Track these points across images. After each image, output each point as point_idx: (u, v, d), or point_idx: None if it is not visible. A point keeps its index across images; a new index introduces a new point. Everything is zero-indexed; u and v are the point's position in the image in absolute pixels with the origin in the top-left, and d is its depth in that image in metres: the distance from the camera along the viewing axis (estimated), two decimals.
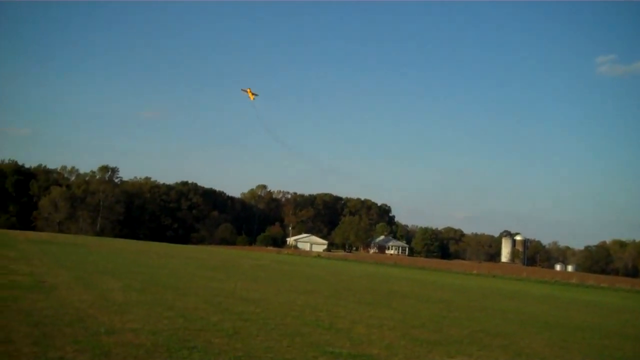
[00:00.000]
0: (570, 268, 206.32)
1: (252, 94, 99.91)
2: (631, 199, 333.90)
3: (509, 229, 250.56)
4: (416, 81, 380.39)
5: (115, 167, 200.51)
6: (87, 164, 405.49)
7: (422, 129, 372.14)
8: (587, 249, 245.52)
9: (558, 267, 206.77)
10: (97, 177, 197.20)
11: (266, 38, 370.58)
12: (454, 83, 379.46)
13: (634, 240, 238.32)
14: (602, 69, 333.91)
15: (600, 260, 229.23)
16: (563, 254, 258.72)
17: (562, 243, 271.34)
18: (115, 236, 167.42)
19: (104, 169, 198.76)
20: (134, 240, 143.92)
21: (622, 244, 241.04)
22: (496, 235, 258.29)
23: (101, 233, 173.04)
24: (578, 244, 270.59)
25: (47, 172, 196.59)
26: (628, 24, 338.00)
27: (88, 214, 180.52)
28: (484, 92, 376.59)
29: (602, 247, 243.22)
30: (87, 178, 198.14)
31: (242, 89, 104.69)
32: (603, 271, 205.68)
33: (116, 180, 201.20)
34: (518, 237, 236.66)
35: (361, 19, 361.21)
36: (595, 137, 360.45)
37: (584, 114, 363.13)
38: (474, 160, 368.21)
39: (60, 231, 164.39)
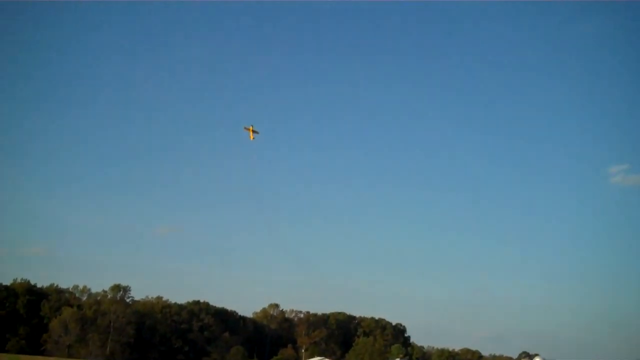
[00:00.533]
0: None
1: (253, 131, 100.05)
2: None
3: (527, 350, 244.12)
4: (436, 201, 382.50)
5: (127, 286, 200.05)
6: (99, 282, 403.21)
7: (440, 247, 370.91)
8: None
9: None
10: (109, 296, 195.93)
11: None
12: (467, 199, 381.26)
13: None
14: (616, 179, 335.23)
15: None
16: None
17: None
18: None
19: (116, 288, 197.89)
20: None
21: None
22: (515, 356, 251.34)
23: (111, 357, 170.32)
24: None
25: (59, 291, 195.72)
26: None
27: (98, 336, 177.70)
28: (502, 210, 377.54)
29: None
30: (98, 298, 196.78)
31: (244, 127, 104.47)
32: None
33: (128, 300, 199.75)
34: (537, 359, 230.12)
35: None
36: (611, 250, 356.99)
37: (601, 226, 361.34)
38: (491, 277, 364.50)
39: (70, 355, 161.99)
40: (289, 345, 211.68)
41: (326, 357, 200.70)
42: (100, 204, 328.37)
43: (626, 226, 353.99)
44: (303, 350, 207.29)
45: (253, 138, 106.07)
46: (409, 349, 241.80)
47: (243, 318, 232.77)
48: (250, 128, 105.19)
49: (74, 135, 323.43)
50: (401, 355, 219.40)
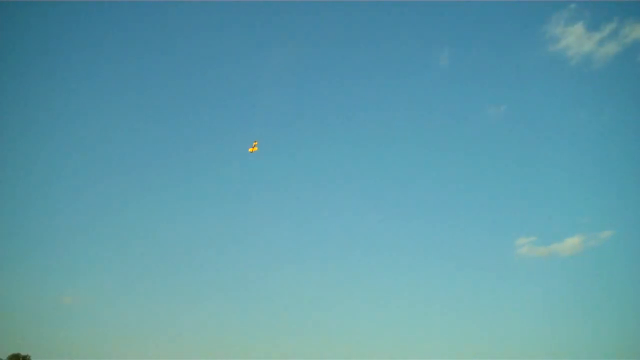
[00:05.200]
0: None
1: (254, 146, 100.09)
2: None
3: None
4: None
5: (27, 355, 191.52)
6: None
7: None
8: None
9: None
10: None
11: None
12: (378, 270, 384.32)
13: None
14: (523, 250, 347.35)
15: None
16: None
17: None
18: None
19: (15, 357, 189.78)
20: None
21: None
22: None
23: None
24: None
25: None
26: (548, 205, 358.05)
27: None
28: (405, 277, 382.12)
29: None
30: None
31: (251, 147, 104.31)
32: None
33: None
34: None
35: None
36: (514, 316, 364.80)
37: (501, 296, 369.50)
38: (398, 346, 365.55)
39: None
40: None
41: None
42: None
43: (529, 296, 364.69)
44: None
45: (253, 150, 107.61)
46: None
47: None
48: (255, 146, 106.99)
49: None
50: None
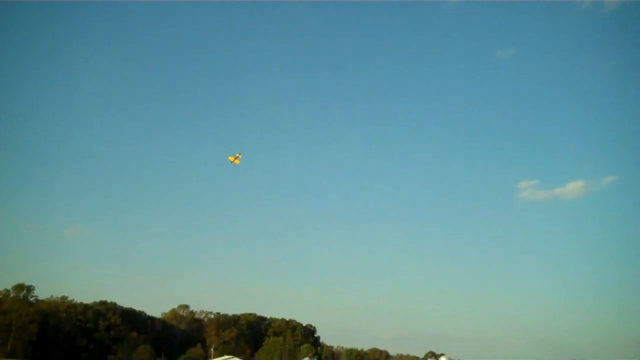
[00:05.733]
0: None
1: (236, 158, 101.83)
2: (550, 319, 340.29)
3: (433, 349, 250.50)
4: (336, 206, 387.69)
5: (31, 286, 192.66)
6: (1, 282, 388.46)
7: (348, 253, 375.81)
8: None
9: None
10: (11, 295, 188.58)
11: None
12: (376, 213, 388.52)
13: None
14: (525, 193, 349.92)
15: None
16: None
17: None
18: (27, 358, 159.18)
19: (19, 287, 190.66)
20: None
21: None
22: (421, 355, 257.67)
23: (12, 354, 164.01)
24: None
25: None
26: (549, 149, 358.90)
27: None
28: (407, 219, 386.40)
29: None
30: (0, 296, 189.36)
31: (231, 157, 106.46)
32: None
33: (31, 299, 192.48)
34: (443, 358, 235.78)
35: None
36: (515, 259, 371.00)
37: (504, 237, 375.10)
38: (400, 280, 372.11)
39: None
40: (198, 345, 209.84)
41: (236, 356, 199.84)
42: (7, 202, 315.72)
43: (532, 238, 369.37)
44: (212, 350, 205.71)
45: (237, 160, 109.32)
46: (318, 348, 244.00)
47: (151, 318, 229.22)
48: (238, 156, 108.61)
49: None
50: (310, 354, 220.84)
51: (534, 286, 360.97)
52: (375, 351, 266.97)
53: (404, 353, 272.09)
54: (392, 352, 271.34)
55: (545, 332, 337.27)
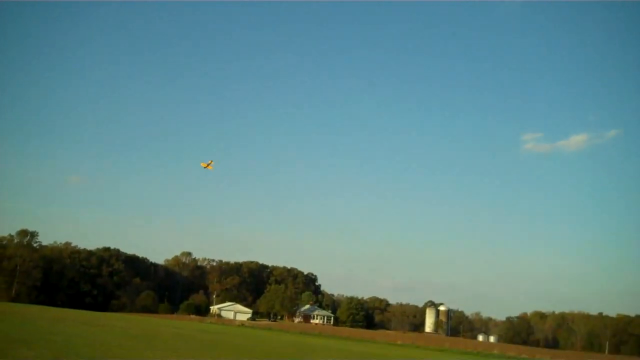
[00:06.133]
0: (492, 339, 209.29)
1: (208, 164, 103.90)
2: (551, 271, 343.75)
3: (433, 300, 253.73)
4: (339, 153, 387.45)
5: (35, 232, 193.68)
6: (5, 227, 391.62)
7: (346, 200, 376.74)
8: (509, 320, 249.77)
9: (480, 338, 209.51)
10: (15, 241, 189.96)
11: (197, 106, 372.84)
12: (374, 160, 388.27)
13: (554, 312, 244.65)
14: (529, 146, 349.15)
15: (522, 332, 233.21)
16: (485, 325, 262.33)
17: (485, 314, 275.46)
18: (32, 302, 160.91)
19: (23, 233, 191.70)
20: (51, 307, 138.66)
21: (542, 316, 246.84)
22: (421, 305, 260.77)
23: (17, 299, 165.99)
24: (500, 315, 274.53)
25: None
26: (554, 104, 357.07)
27: (3, 279, 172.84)
28: (408, 166, 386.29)
29: (523, 319, 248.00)
30: (4, 242, 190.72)
31: (202, 163, 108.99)
32: (524, 342, 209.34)
33: (35, 245, 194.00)
34: (442, 308, 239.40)
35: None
36: (517, 211, 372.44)
37: (506, 189, 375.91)
38: (401, 230, 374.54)
39: None
40: (200, 292, 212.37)
41: (238, 302, 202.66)
42: (12, 149, 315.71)
43: (534, 190, 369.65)
44: (215, 296, 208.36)
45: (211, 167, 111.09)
46: (319, 296, 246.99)
47: (154, 265, 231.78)
48: (210, 162, 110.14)
49: None
50: (311, 302, 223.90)
51: (536, 238, 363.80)
52: (375, 300, 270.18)
53: (404, 302, 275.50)
54: (392, 301, 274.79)
55: (547, 284, 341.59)
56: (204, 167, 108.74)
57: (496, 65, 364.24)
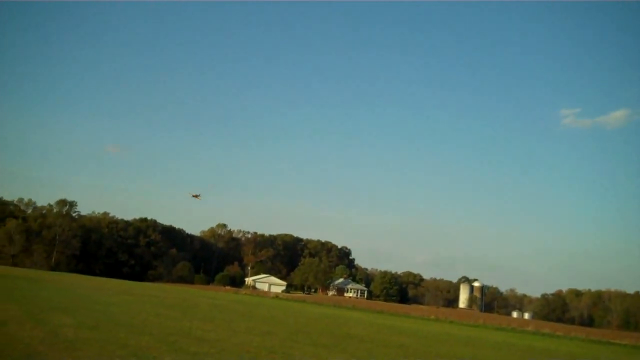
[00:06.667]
0: (526, 315, 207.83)
1: (196, 196, 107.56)
2: (587, 249, 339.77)
3: (467, 275, 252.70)
4: (374, 128, 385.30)
5: (74, 202, 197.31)
6: (45, 197, 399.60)
7: (383, 175, 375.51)
8: (544, 297, 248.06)
9: (515, 314, 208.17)
10: (55, 210, 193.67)
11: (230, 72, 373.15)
12: (413, 130, 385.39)
13: (589, 290, 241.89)
14: (567, 120, 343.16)
15: (557, 309, 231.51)
16: (520, 302, 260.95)
17: (520, 290, 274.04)
18: (71, 271, 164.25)
19: (62, 202, 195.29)
20: (89, 276, 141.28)
21: (577, 293, 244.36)
22: (455, 281, 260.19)
23: (56, 267, 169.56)
24: (535, 292, 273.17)
25: (3, 203, 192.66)
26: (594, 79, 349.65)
27: (43, 247, 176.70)
28: (445, 143, 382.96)
29: (559, 296, 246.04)
30: (44, 211, 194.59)
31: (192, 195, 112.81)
32: (559, 319, 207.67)
33: (74, 215, 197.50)
34: (476, 284, 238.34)
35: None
36: (555, 187, 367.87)
37: (544, 165, 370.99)
38: (436, 205, 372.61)
39: (14, 265, 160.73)
40: (236, 263, 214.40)
41: (272, 275, 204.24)
42: (51, 119, 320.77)
43: (574, 166, 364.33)
44: (249, 268, 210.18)
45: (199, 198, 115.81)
46: (352, 270, 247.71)
47: (190, 236, 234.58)
48: (199, 195, 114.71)
49: (21, 45, 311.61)
50: (345, 276, 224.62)
51: (573, 215, 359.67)
52: (409, 274, 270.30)
53: (438, 277, 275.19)
54: (426, 277, 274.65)
55: (583, 261, 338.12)
56: (193, 197, 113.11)
57: (534, 38, 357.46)
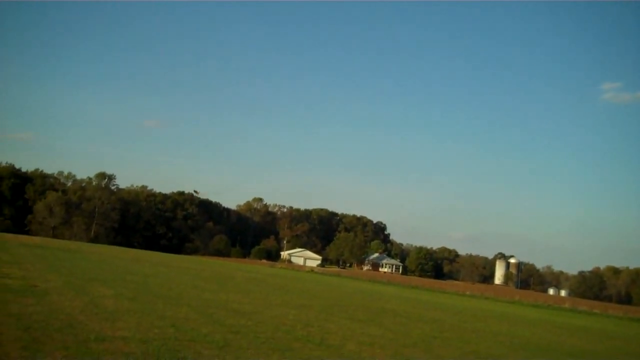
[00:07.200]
0: (563, 293, 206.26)
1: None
2: (626, 226, 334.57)
3: (503, 252, 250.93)
4: (413, 103, 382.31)
5: (112, 175, 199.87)
6: (84, 170, 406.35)
7: (419, 150, 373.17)
8: (581, 274, 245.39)
9: (551, 291, 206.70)
10: (94, 183, 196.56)
11: (265, 45, 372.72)
12: (452, 105, 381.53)
13: (628, 267, 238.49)
14: (607, 95, 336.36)
15: (594, 286, 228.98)
16: (557, 279, 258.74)
17: (556, 267, 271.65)
18: (110, 243, 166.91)
19: (101, 175, 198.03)
20: (128, 248, 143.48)
21: (615, 271, 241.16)
22: (490, 257, 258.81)
23: (95, 240, 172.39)
24: (572, 269, 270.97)
25: (44, 176, 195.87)
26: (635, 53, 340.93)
27: (83, 220, 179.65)
28: (483, 116, 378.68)
29: (596, 273, 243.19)
30: (83, 184, 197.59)
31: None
32: (596, 297, 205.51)
33: (112, 188, 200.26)
34: (512, 260, 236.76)
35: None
36: (593, 163, 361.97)
37: (582, 140, 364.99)
38: (472, 181, 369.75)
39: (54, 236, 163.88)
40: (272, 237, 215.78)
41: (307, 249, 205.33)
42: (91, 92, 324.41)
43: (613, 142, 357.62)
44: (285, 242, 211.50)
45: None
46: (388, 245, 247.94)
47: (227, 210, 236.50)
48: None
49: (64, 22, 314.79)
50: (380, 251, 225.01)
51: (611, 191, 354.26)
52: (444, 250, 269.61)
53: (474, 253, 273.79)
54: (462, 252, 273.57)
55: (621, 238, 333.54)
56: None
57: (574, 10, 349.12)
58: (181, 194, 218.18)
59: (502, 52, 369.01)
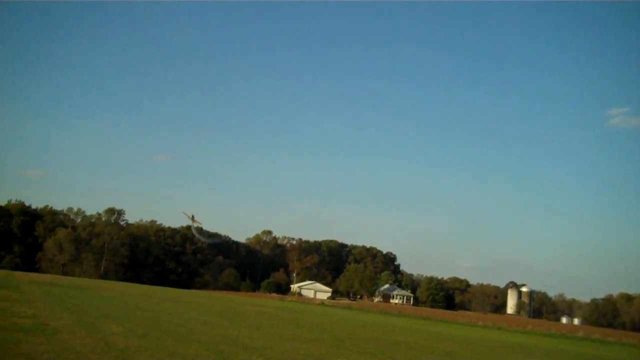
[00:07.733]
0: (576, 321, 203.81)
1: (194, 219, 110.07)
2: (638, 252, 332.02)
3: (515, 280, 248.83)
4: (422, 131, 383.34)
5: (122, 210, 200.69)
6: (93, 206, 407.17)
7: (428, 179, 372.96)
8: (594, 302, 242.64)
9: (564, 320, 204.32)
10: (103, 219, 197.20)
11: (276, 73, 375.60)
12: (462, 133, 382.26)
13: None
14: (615, 121, 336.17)
15: (607, 314, 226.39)
16: (569, 307, 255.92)
17: (569, 295, 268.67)
18: (119, 279, 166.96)
19: (110, 211, 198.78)
20: (138, 284, 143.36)
21: (629, 298, 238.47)
22: (502, 286, 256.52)
23: (105, 276, 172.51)
24: (584, 297, 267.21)
25: (53, 213, 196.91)
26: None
27: (92, 256, 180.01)
28: (492, 142, 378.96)
29: (609, 301, 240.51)
30: (92, 220, 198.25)
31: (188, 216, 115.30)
32: (609, 325, 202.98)
33: (122, 223, 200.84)
34: (524, 289, 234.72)
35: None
36: (602, 189, 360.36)
37: (593, 166, 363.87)
38: (481, 210, 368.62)
39: (64, 273, 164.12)
40: (281, 270, 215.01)
41: (317, 281, 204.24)
42: (99, 129, 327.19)
43: (623, 168, 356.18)
44: (295, 274, 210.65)
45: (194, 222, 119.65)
46: (398, 275, 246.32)
47: (236, 243, 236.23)
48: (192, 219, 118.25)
49: (73, 57, 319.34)
50: (390, 282, 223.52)
51: (622, 217, 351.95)
52: (455, 280, 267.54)
53: (485, 283, 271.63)
54: (473, 282, 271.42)
55: (634, 265, 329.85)
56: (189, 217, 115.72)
57: (580, 35, 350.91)
58: (190, 227, 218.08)
59: (510, 78, 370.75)
